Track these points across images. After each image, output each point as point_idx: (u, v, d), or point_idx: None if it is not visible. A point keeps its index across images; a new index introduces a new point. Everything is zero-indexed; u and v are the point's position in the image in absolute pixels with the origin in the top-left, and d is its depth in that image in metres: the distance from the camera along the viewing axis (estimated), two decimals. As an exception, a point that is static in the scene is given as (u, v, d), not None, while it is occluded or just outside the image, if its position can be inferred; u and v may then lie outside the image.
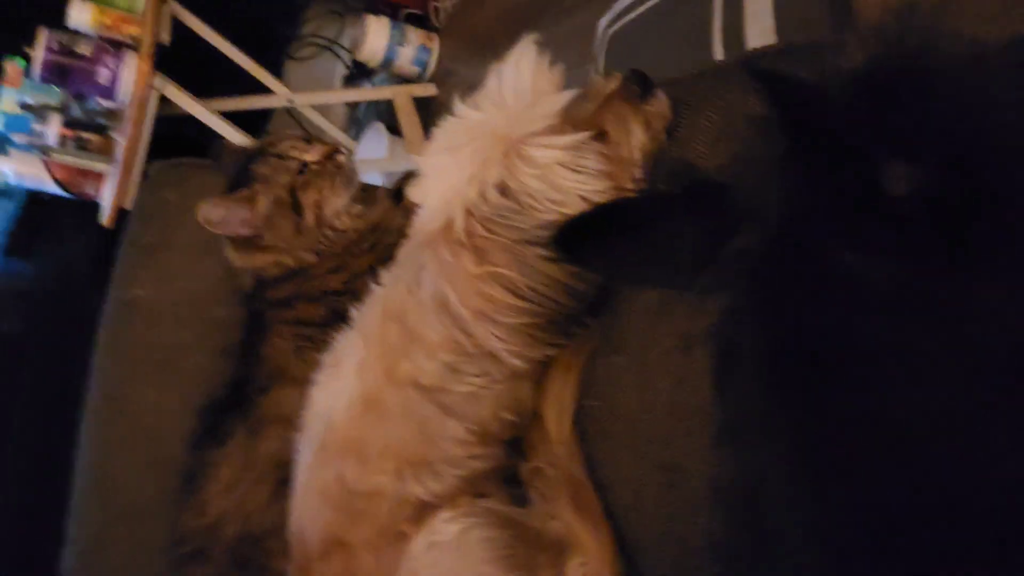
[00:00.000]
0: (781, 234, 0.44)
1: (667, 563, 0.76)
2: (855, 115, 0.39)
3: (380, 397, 0.85)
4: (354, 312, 0.92)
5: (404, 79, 2.57)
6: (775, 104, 0.42)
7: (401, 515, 0.83)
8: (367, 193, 1.23)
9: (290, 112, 2.45)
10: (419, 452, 0.84)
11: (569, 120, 0.77)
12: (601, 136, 0.77)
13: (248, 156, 1.20)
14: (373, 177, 2.26)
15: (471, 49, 2.49)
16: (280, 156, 1.17)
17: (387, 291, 0.90)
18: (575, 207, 0.74)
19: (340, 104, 2.69)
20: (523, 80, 0.77)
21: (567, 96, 0.78)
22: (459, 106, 0.81)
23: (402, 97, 2.49)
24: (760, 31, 1.03)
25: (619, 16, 1.63)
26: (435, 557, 0.78)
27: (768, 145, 0.47)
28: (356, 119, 2.73)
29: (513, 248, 0.75)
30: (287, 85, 2.34)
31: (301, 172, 1.15)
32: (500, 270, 0.75)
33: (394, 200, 1.21)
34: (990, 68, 0.40)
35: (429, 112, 2.54)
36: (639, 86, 0.79)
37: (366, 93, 2.63)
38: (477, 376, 0.83)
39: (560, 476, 0.84)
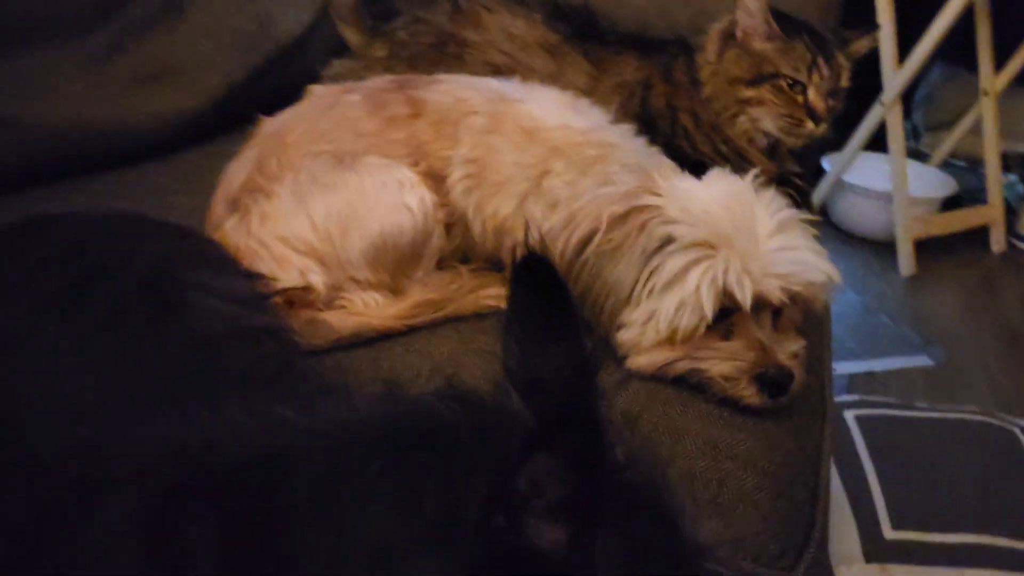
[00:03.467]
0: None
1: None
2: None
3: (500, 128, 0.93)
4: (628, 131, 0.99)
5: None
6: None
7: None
8: (780, 144, 1.22)
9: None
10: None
11: (757, 312, 0.79)
12: (719, 328, 0.79)
13: (819, 33, 1.19)
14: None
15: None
16: (827, 58, 1.16)
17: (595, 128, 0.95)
18: (631, 309, 0.79)
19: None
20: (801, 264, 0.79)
21: (777, 298, 0.78)
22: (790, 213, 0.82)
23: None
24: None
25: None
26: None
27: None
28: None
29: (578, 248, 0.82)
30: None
31: (792, 84, 1.16)
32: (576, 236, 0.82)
33: (770, 155, 1.22)
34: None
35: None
36: (774, 388, 0.78)
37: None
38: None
39: (445, 288, 0.93)
